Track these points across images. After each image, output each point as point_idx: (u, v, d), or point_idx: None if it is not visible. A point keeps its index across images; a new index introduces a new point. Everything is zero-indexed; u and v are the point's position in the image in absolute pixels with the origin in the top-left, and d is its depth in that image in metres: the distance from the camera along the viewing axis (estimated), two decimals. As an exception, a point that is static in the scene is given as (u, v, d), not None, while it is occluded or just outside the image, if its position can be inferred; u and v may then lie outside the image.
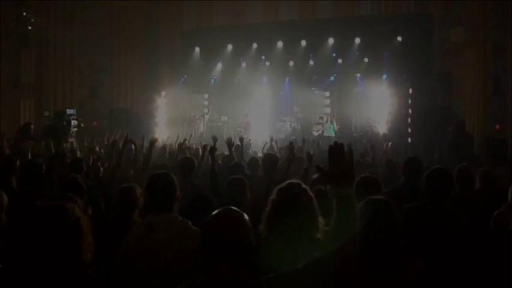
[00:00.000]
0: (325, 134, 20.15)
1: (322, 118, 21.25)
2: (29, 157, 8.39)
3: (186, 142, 12.55)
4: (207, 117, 22.83)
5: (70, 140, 12.45)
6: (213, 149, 6.89)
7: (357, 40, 20.64)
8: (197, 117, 22.17)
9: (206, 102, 23.43)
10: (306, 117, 22.33)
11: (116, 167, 6.99)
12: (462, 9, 17.47)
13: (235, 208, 2.64)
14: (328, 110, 22.38)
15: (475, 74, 16.96)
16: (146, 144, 14.14)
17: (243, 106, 21.61)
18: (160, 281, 3.54)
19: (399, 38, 19.86)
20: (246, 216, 2.55)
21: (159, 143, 15.78)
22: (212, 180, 6.02)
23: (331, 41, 20.98)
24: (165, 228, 3.68)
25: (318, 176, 6.08)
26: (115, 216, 4.90)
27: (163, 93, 21.41)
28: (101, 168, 7.57)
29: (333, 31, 20.62)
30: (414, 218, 4.30)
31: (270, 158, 7.14)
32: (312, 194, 3.44)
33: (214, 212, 2.56)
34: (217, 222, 2.50)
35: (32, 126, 12.79)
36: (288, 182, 3.54)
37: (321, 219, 3.33)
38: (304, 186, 3.50)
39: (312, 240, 3.21)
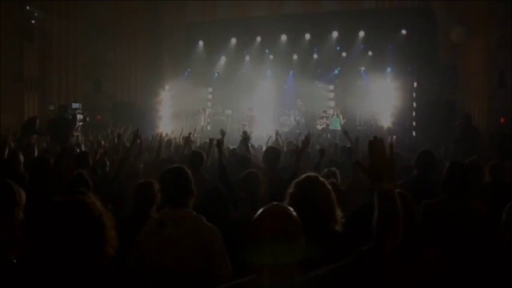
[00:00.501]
0: (331, 128, 20.10)
1: (326, 112, 21.22)
2: (35, 152, 8.38)
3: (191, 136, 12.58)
4: (208, 110, 22.82)
5: (75, 134, 12.40)
6: (220, 142, 6.84)
7: (361, 33, 20.59)
8: (200, 110, 22.16)
9: (210, 96, 23.45)
10: (309, 111, 22.31)
11: (122, 161, 6.97)
12: (466, 1, 17.35)
13: (282, 204, 2.61)
14: (332, 104, 22.38)
15: (480, 68, 16.87)
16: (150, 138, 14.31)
17: (247, 100, 21.61)
18: (170, 277, 3.51)
19: (403, 31, 19.80)
20: (294, 212, 2.49)
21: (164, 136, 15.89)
22: (221, 173, 5.97)
23: (335, 34, 20.94)
24: (177, 224, 3.63)
25: (328, 171, 6.08)
26: (131, 212, 4.84)
27: (167, 87, 21.38)
28: (107, 163, 7.55)
29: (337, 24, 20.56)
30: (436, 214, 4.26)
31: (272, 152, 7.08)
32: (330, 187, 3.42)
33: (264, 208, 2.49)
34: (269, 219, 2.43)
35: (38, 121, 12.80)
36: (305, 175, 3.51)
37: (339, 212, 3.31)
38: (322, 179, 3.48)
39: (331, 233, 3.18)
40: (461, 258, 3.11)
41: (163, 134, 8.03)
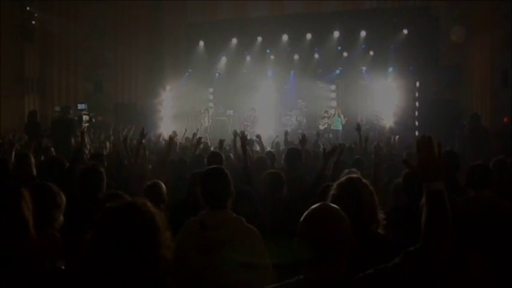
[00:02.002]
0: (332, 128, 20.07)
1: (327, 112, 21.19)
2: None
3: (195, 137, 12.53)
4: (211, 111, 22.78)
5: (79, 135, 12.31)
6: (246, 143, 6.76)
7: (363, 33, 20.56)
8: (202, 111, 22.13)
9: (211, 96, 23.41)
10: (311, 111, 22.28)
11: (134, 162, 6.95)
12: (469, 1, 17.32)
13: (332, 204, 2.57)
14: (333, 104, 22.35)
15: (483, 67, 16.86)
16: (154, 139, 14.28)
17: (248, 100, 21.57)
18: (212, 280, 3.46)
19: (405, 31, 19.77)
20: (343, 213, 2.46)
21: (165, 137, 15.84)
22: (247, 174, 5.84)
23: (336, 34, 20.91)
24: (219, 227, 3.57)
25: (349, 172, 6.02)
26: None
27: (168, 87, 21.34)
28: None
29: (338, 24, 20.56)
30: (466, 214, 4.22)
31: (293, 152, 7.01)
32: (372, 189, 3.38)
33: (313, 208, 2.45)
34: (318, 219, 2.40)
35: (38, 115, 12.79)
36: (347, 176, 3.49)
37: (381, 214, 3.27)
38: (364, 180, 3.43)
39: (374, 235, 3.14)
40: (499, 260, 3.06)
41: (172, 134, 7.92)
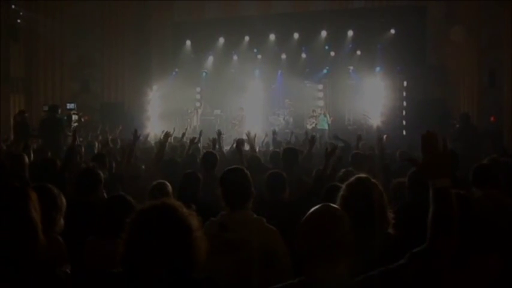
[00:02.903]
0: (318, 127, 20.08)
1: (315, 111, 21.20)
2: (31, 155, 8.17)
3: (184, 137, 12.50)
4: (200, 111, 22.69)
5: (69, 134, 12.17)
6: (241, 143, 6.73)
7: (350, 33, 20.61)
8: (190, 111, 22.03)
9: (198, 96, 23.31)
10: (298, 111, 22.28)
11: (127, 162, 6.89)
12: (457, 1, 17.43)
13: (333, 205, 2.58)
14: (321, 103, 22.38)
15: (470, 66, 16.98)
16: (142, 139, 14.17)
17: (236, 99, 21.54)
18: (233, 281, 3.42)
19: (392, 31, 19.85)
20: (345, 214, 2.46)
21: (153, 137, 15.76)
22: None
23: (323, 33, 20.94)
24: (239, 228, 3.54)
25: (346, 171, 6.00)
26: None
27: (154, 87, 21.23)
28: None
29: (325, 24, 20.59)
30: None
31: (291, 152, 6.96)
32: (381, 189, 3.36)
33: (314, 209, 2.46)
34: (318, 220, 2.40)
35: (27, 115, 12.64)
36: (356, 176, 3.46)
37: (390, 214, 3.26)
38: (373, 180, 3.42)
39: (384, 235, 3.13)
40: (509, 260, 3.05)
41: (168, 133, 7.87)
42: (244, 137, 11.05)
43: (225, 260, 3.42)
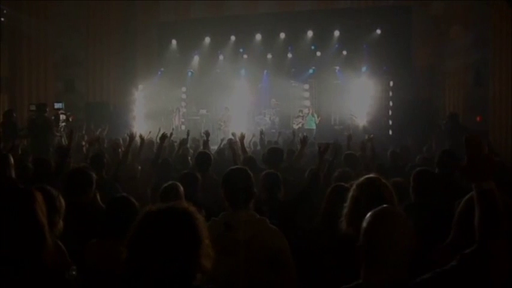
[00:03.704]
0: (306, 127, 20.08)
1: (302, 111, 21.20)
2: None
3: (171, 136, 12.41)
4: (183, 110, 22.59)
5: (58, 134, 12.04)
6: (234, 143, 6.67)
7: (336, 33, 20.67)
8: (173, 110, 21.90)
9: (184, 96, 23.21)
10: (284, 110, 22.29)
11: (121, 162, 6.83)
12: (443, 1, 17.52)
13: (393, 207, 2.57)
14: (307, 103, 22.37)
15: (456, 66, 17.07)
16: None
17: (221, 99, 21.49)
18: (238, 281, 3.38)
19: (378, 31, 19.93)
20: (407, 217, 2.41)
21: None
22: None
23: (310, 33, 20.98)
24: (244, 227, 3.50)
25: (343, 171, 5.98)
26: None
27: (140, 87, 21.10)
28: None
29: (312, 23, 20.62)
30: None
31: (275, 152, 6.92)
32: (391, 188, 3.35)
33: (375, 212, 2.41)
34: (386, 222, 2.35)
35: (15, 114, 12.47)
36: (366, 177, 3.47)
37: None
38: (384, 180, 3.40)
39: None
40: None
41: (138, 134, 7.85)
42: (230, 136, 11.02)
43: (232, 260, 3.40)
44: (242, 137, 6.72)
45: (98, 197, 4.63)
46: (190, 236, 2.12)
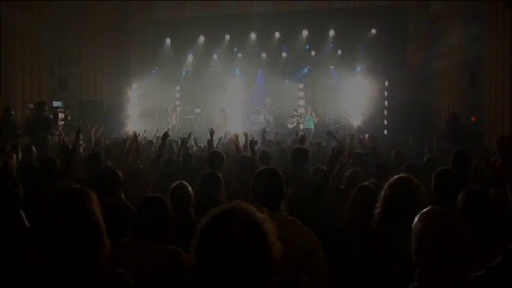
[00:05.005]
0: (305, 127, 20.03)
1: (296, 110, 21.18)
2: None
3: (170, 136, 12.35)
4: (179, 109, 22.51)
5: (56, 133, 11.92)
6: (254, 142, 6.63)
7: (331, 32, 20.68)
8: (169, 109, 21.82)
9: (178, 95, 23.13)
10: (279, 110, 22.25)
11: (122, 161, 6.80)
12: (437, 2, 17.58)
13: (442, 207, 2.50)
14: (302, 102, 22.39)
15: (451, 66, 17.14)
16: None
17: (216, 98, 21.45)
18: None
19: (373, 31, 19.97)
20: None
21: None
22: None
23: (305, 33, 20.99)
24: (278, 228, 3.45)
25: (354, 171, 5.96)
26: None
27: (134, 85, 21.03)
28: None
29: (307, 23, 20.63)
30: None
31: (301, 152, 6.78)
32: (423, 188, 3.34)
33: (425, 212, 2.40)
34: (432, 224, 2.33)
35: (13, 113, 12.35)
36: (398, 176, 3.45)
37: None
38: (416, 180, 3.38)
39: None
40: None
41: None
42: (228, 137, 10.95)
43: None
44: (253, 142, 6.66)
45: (123, 196, 4.59)
46: (260, 236, 2.07)
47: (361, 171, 5.96)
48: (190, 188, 4.55)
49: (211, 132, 9.03)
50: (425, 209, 2.42)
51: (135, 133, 7.56)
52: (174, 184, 4.64)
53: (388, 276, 2.84)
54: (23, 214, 3.34)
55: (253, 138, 6.83)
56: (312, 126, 19.88)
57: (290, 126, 20.34)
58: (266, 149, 8.51)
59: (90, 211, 2.33)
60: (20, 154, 8.12)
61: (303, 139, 8.35)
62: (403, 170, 6.51)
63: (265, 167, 3.95)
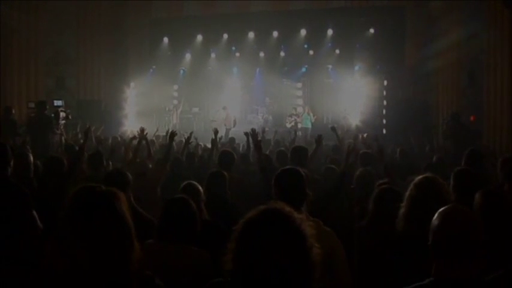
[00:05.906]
0: (302, 126, 20.04)
1: (295, 110, 21.17)
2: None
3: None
4: (179, 109, 22.46)
5: (58, 132, 11.83)
6: (259, 141, 6.62)
7: (329, 32, 20.67)
8: (167, 109, 21.78)
9: (176, 94, 23.10)
10: (277, 109, 22.26)
11: (131, 161, 6.78)
12: (435, 1, 17.59)
13: (460, 205, 2.54)
14: (300, 101, 22.40)
15: (450, 66, 17.15)
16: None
17: (214, 97, 21.42)
18: None
19: (372, 30, 19.97)
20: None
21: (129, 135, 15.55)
22: (264, 173, 5.57)
23: (303, 32, 20.95)
24: None
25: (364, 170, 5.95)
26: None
27: (132, 84, 20.94)
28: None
29: (305, 22, 20.60)
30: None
31: (299, 151, 6.77)
32: (448, 188, 3.34)
33: (444, 210, 2.41)
34: (458, 221, 2.35)
35: (13, 111, 12.26)
36: (423, 176, 3.44)
37: None
38: (441, 180, 3.37)
39: None
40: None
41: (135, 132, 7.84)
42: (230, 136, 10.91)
43: None
44: (255, 135, 6.58)
45: (132, 197, 4.54)
46: (300, 238, 2.00)
47: (371, 171, 5.94)
48: (200, 187, 4.52)
49: (215, 132, 8.96)
50: (443, 208, 2.45)
51: (143, 130, 7.52)
52: (184, 183, 4.61)
53: (413, 276, 2.82)
54: (35, 215, 3.28)
55: (258, 138, 6.72)
56: (310, 126, 19.89)
57: (288, 125, 20.33)
58: (283, 149, 8.47)
59: (122, 212, 2.27)
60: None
61: (319, 139, 8.13)
62: (425, 170, 6.51)
63: (288, 167, 3.87)
